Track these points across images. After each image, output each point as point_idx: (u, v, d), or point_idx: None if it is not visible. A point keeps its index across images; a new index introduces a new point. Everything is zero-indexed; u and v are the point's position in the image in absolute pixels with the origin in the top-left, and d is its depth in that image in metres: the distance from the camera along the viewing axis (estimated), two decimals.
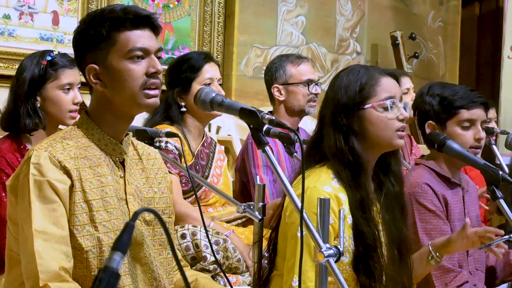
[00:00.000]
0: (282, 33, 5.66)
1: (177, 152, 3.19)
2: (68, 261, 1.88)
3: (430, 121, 2.85)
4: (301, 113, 3.70)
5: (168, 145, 3.17)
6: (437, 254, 2.54)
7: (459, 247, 2.54)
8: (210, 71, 3.32)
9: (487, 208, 3.97)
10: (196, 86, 3.27)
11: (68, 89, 2.92)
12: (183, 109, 3.30)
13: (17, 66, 2.99)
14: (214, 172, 3.40)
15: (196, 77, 3.29)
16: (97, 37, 1.96)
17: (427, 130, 2.87)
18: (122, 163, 2.05)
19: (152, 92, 1.98)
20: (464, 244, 2.50)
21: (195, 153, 3.31)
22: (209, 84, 3.27)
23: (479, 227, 2.55)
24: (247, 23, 5.42)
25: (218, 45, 5.25)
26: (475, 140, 2.83)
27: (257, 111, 1.88)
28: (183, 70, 3.30)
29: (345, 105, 2.26)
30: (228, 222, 3.33)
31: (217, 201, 3.40)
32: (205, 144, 3.40)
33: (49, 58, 2.90)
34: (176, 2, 5.08)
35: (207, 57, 3.38)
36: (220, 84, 3.36)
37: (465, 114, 2.83)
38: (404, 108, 2.30)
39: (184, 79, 3.30)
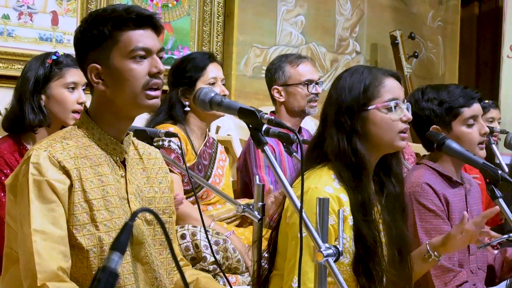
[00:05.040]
0: (282, 33, 5.66)
1: (180, 151, 3.20)
2: (66, 261, 1.88)
3: (435, 126, 2.84)
4: (301, 114, 3.70)
5: (171, 144, 3.18)
6: (435, 253, 2.52)
7: (458, 243, 2.49)
8: (214, 70, 3.36)
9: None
10: (200, 86, 3.28)
11: (73, 88, 2.93)
12: (187, 108, 3.33)
13: (16, 66, 3.00)
14: (216, 172, 3.41)
15: (201, 77, 3.32)
16: (99, 36, 1.96)
17: None
18: (123, 163, 2.05)
19: (153, 93, 1.98)
20: (464, 239, 2.46)
21: (198, 153, 3.32)
22: (213, 83, 3.31)
23: (476, 218, 2.50)
24: (247, 23, 5.42)
25: (218, 45, 5.25)
26: (480, 135, 2.85)
27: (256, 111, 1.87)
28: (187, 70, 3.33)
29: (348, 106, 2.25)
30: (227, 220, 3.33)
31: (218, 200, 3.40)
32: (208, 144, 3.41)
33: (54, 57, 2.92)
34: (175, 2, 5.07)
35: (211, 57, 3.42)
36: (223, 84, 3.39)
37: (467, 112, 2.84)
38: (407, 109, 2.30)
39: (189, 79, 3.32)
